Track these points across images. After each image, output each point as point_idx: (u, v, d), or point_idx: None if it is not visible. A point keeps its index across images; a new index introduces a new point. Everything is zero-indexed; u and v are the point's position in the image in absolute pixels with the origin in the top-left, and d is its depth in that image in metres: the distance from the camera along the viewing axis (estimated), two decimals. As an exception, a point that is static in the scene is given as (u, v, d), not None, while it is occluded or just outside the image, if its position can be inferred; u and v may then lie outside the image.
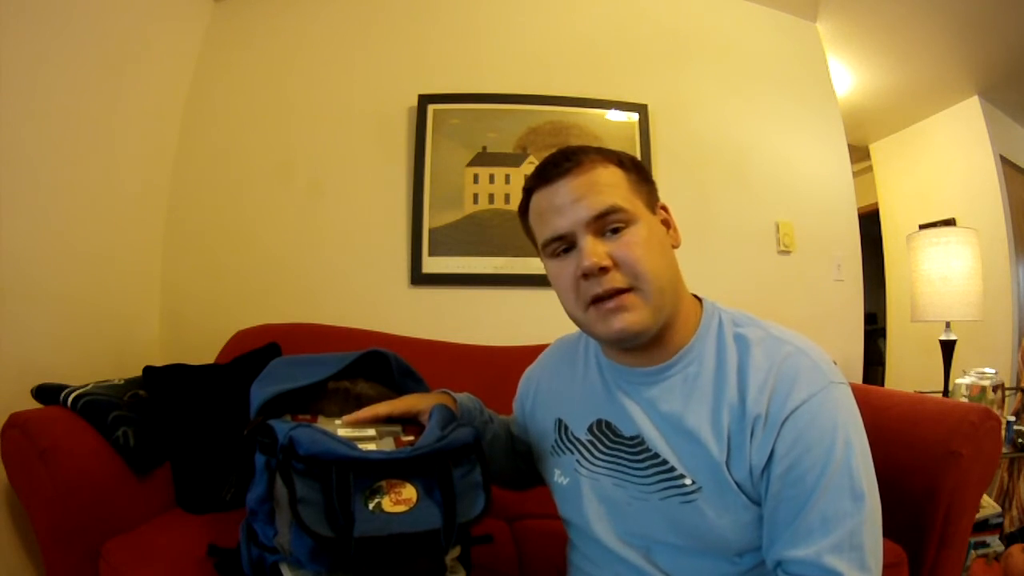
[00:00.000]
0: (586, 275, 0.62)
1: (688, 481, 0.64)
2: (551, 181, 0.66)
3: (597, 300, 0.63)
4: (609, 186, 0.64)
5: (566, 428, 0.77)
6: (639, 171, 0.69)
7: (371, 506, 0.63)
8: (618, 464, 0.70)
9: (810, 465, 0.58)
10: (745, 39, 2.07)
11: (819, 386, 0.60)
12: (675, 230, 0.71)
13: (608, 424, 0.72)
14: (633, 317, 0.62)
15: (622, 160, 0.68)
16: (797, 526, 0.58)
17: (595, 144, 1.98)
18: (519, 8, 1.99)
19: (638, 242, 0.63)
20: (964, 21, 2.06)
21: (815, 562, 0.56)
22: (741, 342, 0.65)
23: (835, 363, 0.65)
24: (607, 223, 0.63)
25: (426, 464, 0.66)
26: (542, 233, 0.68)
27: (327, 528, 0.60)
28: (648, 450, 0.67)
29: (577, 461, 0.74)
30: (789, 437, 0.59)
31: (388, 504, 0.63)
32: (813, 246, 1.98)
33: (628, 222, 0.64)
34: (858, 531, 0.57)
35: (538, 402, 0.85)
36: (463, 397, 0.84)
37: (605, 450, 0.72)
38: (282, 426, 0.66)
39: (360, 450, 0.65)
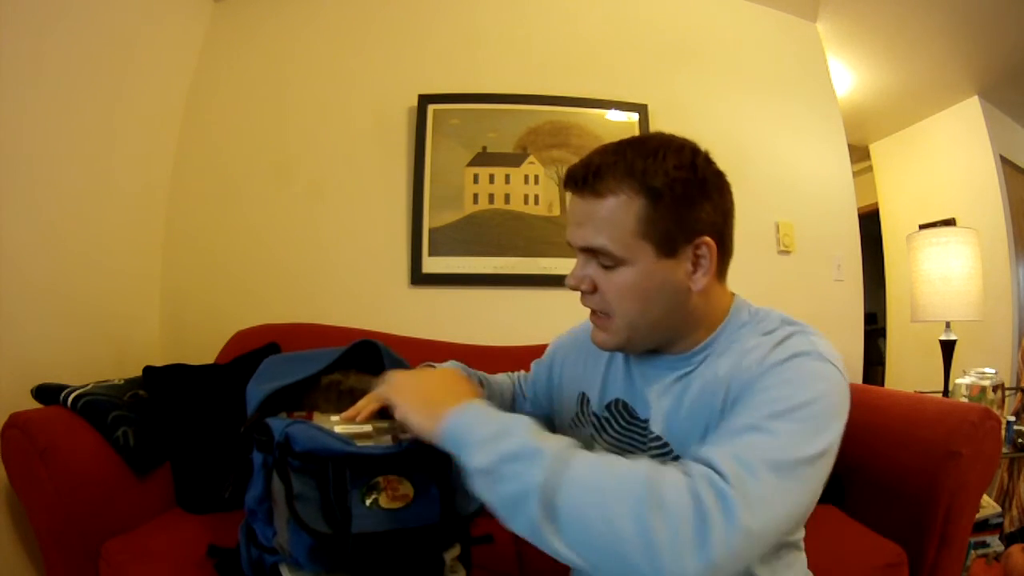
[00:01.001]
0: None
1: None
2: (571, 190, 0.67)
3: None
4: (609, 223, 0.62)
5: (588, 402, 0.80)
6: (680, 195, 0.62)
7: (368, 502, 0.63)
8: (632, 444, 0.72)
9: (758, 403, 0.55)
10: (745, 39, 2.07)
11: (804, 350, 0.59)
12: (709, 270, 0.65)
13: (625, 405, 0.74)
14: (605, 336, 0.69)
15: (652, 188, 0.61)
16: (712, 443, 0.54)
17: (595, 144, 1.97)
18: (519, 8, 1.99)
19: (618, 285, 0.64)
20: (964, 21, 2.06)
21: (701, 455, 0.52)
22: (758, 334, 0.65)
23: (844, 369, 0.62)
24: (597, 256, 0.65)
25: (423, 459, 0.66)
26: None
27: (324, 525, 0.61)
28: (652, 432, 0.70)
29: (592, 435, 0.77)
30: (759, 385, 0.58)
31: (385, 500, 0.64)
32: (813, 246, 1.98)
33: (617, 264, 0.63)
34: (764, 468, 0.50)
35: (565, 375, 0.86)
36: (448, 365, 0.86)
37: (620, 429, 0.74)
38: (278, 423, 0.66)
39: (356, 445, 0.65)
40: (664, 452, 0.68)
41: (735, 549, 0.46)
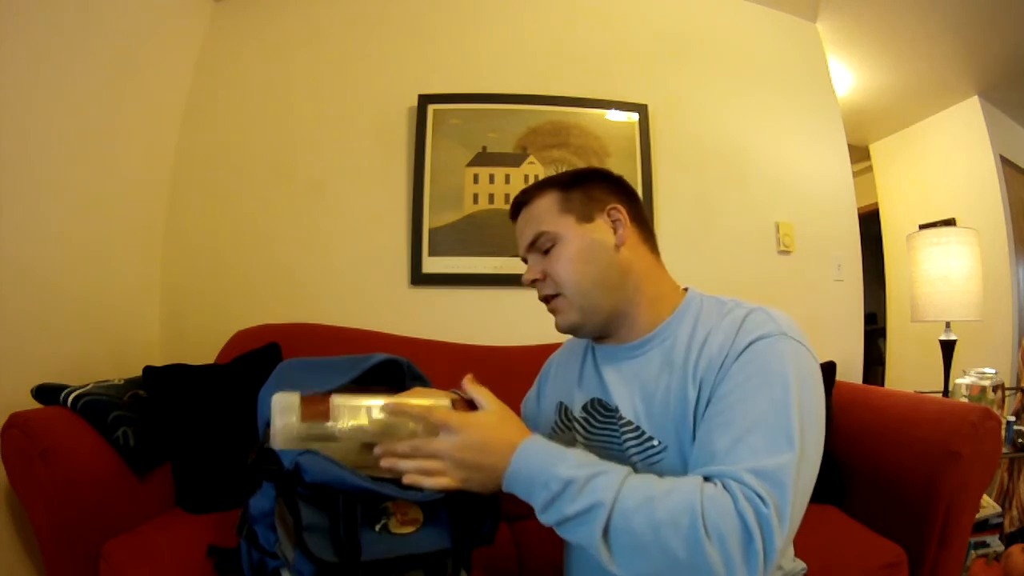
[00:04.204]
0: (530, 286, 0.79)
1: (655, 442, 0.69)
2: (512, 219, 0.83)
3: (543, 301, 0.79)
4: (538, 215, 0.77)
5: (566, 410, 0.84)
6: (581, 184, 0.79)
7: (377, 528, 0.62)
8: (610, 436, 0.75)
9: (746, 395, 0.60)
10: (745, 39, 2.07)
11: (771, 332, 0.64)
12: (625, 229, 0.77)
13: (600, 401, 0.78)
14: (561, 317, 0.77)
15: (560, 181, 0.79)
16: (726, 450, 0.58)
17: (595, 144, 1.97)
18: (519, 8, 1.99)
19: (559, 258, 0.75)
20: (964, 21, 2.06)
21: (733, 474, 0.56)
22: (717, 314, 0.71)
23: (811, 347, 0.66)
24: (539, 246, 0.77)
25: (436, 503, 0.65)
26: None
27: (332, 554, 0.60)
28: (623, 417, 0.73)
29: (574, 440, 0.81)
30: (736, 369, 0.63)
31: (395, 525, 0.63)
32: (813, 246, 1.98)
33: (554, 241, 0.76)
34: (784, 471, 0.55)
35: (547, 388, 0.94)
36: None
37: (598, 425, 0.77)
38: (286, 453, 0.63)
39: (370, 481, 0.62)
40: (638, 436, 0.71)
41: (772, 562, 0.53)
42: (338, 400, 0.64)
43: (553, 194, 0.78)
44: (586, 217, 0.76)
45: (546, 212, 0.77)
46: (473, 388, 0.69)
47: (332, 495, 0.61)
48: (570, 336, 0.96)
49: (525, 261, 0.81)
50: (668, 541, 0.52)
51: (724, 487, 0.55)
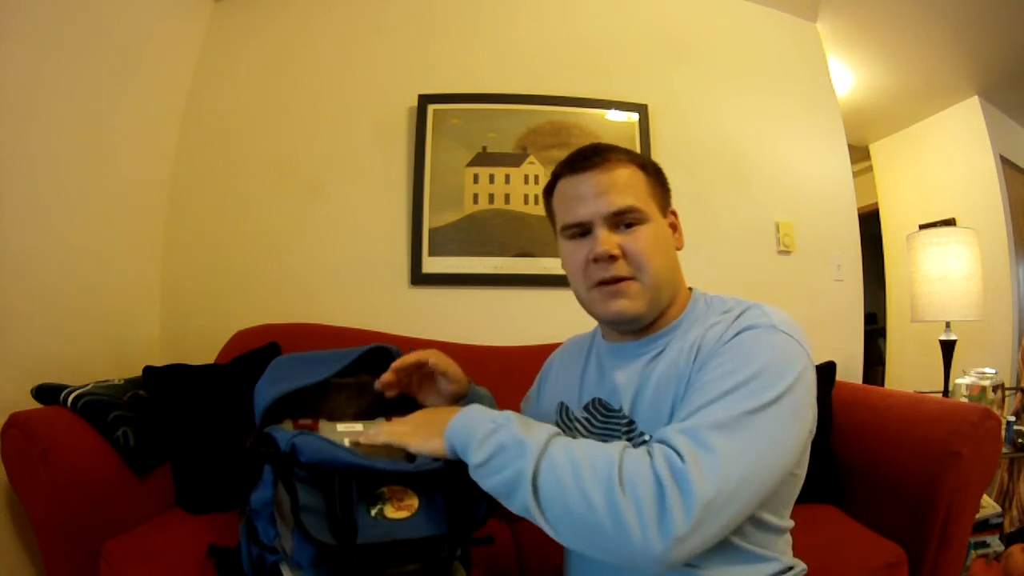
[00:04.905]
0: (596, 259, 0.70)
1: (647, 437, 0.69)
2: (578, 172, 0.73)
3: (602, 283, 0.71)
4: (629, 186, 0.72)
5: (567, 409, 0.83)
6: (658, 177, 0.77)
7: (373, 512, 0.63)
8: (609, 435, 0.74)
9: (715, 377, 0.60)
10: (745, 39, 2.07)
11: (760, 323, 0.64)
12: (680, 234, 0.79)
13: (601, 401, 0.78)
14: (629, 303, 0.71)
15: (645, 164, 0.76)
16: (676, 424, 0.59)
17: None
18: (519, 8, 1.99)
19: (646, 238, 0.71)
20: (964, 21, 2.06)
21: (661, 435, 0.57)
22: (718, 311, 0.72)
23: (808, 346, 0.66)
24: (623, 219, 0.71)
25: (431, 479, 0.66)
26: (563, 217, 0.75)
27: (329, 536, 0.60)
28: (625, 416, 0.73)
29: (575, 438, 0.79)
30: (718, 355, 0.63)
31: (390, 510, 0.63)
32: (813, 246, 1.98)
33: (641, 220, 0.71)
34: (712, 431, 0.55)
35: (548, 386, 0.93)
36: (482, 391, 0.88)
37: (599, 424, 0.77)
38: (283, 434, 0.66)
39: (363, 458, 0.64)
40: (631, 432, 0.71)
41: (696, 522, 0.50)
42: (324, 427, 0.74)
43: (637, 171, 0.74)
44: (662, 210, 0.76)
45: (636, 187, 0.72)
46: None
47: (328, 475, 0.62)
48: (570, 337, 0.96)
49: (576, 226, 0.73)
50: (586, 485, 0.53)
51: (648, 450, 0.56)
